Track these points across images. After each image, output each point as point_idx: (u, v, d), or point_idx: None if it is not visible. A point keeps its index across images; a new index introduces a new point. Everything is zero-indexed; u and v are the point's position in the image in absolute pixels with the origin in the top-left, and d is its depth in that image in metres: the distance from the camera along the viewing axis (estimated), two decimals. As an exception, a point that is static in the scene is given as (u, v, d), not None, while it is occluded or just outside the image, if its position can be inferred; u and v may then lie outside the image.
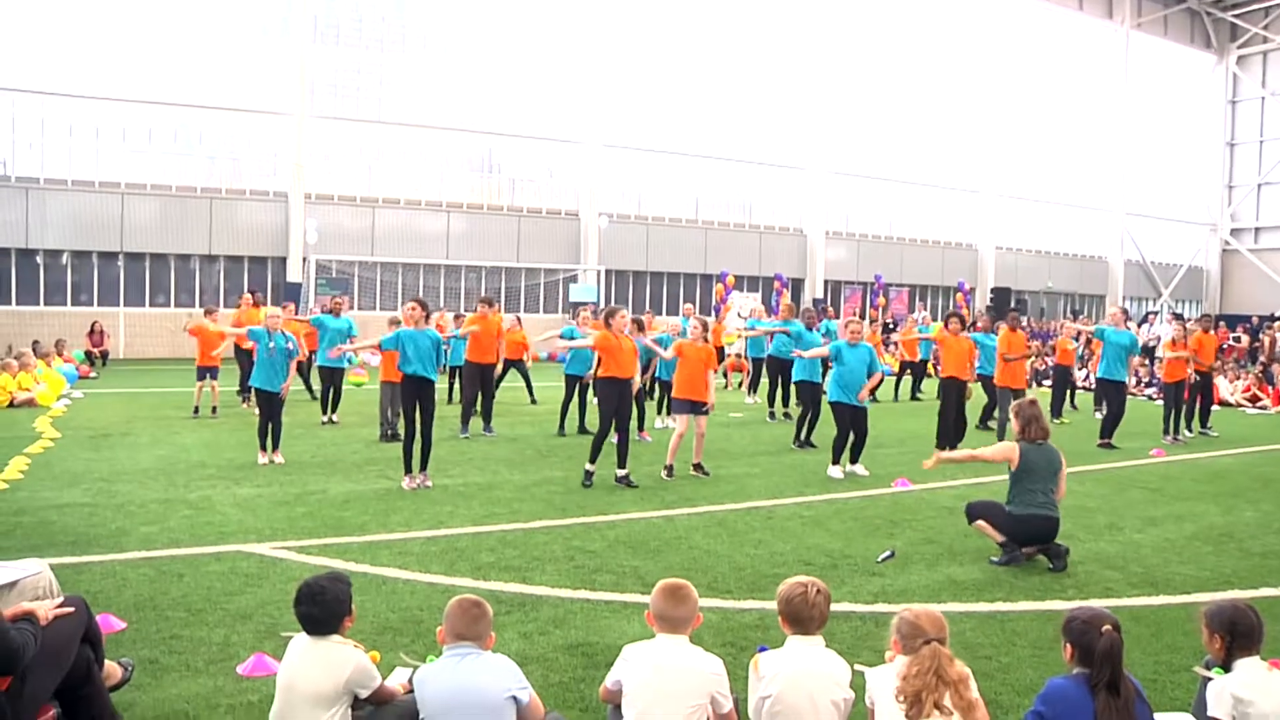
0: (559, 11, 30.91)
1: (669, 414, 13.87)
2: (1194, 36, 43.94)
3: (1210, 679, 4.06)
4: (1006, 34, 38.42)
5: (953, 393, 13.39)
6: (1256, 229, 43.98)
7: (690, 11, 32.83)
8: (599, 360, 10.77)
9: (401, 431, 10.99)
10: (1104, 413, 15.17)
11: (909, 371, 21.73)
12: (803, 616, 3.95)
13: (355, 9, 28.97)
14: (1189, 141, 44.21)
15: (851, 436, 11.52)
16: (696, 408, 11.10)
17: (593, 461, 10.44)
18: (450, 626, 3.93)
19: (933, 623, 3.71)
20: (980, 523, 7.76)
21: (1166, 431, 15.63)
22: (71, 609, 4.16)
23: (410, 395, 10.24)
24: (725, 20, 33.42)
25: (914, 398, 21.05)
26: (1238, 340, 25.14)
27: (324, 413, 14.95)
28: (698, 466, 11.18)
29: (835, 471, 11.36)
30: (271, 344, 11.54)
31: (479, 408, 14.14)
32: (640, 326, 11.70)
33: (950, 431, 13.27)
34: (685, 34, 32.79)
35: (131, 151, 26.46)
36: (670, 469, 10.97)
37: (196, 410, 15.24)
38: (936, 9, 37.29)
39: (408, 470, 10.14)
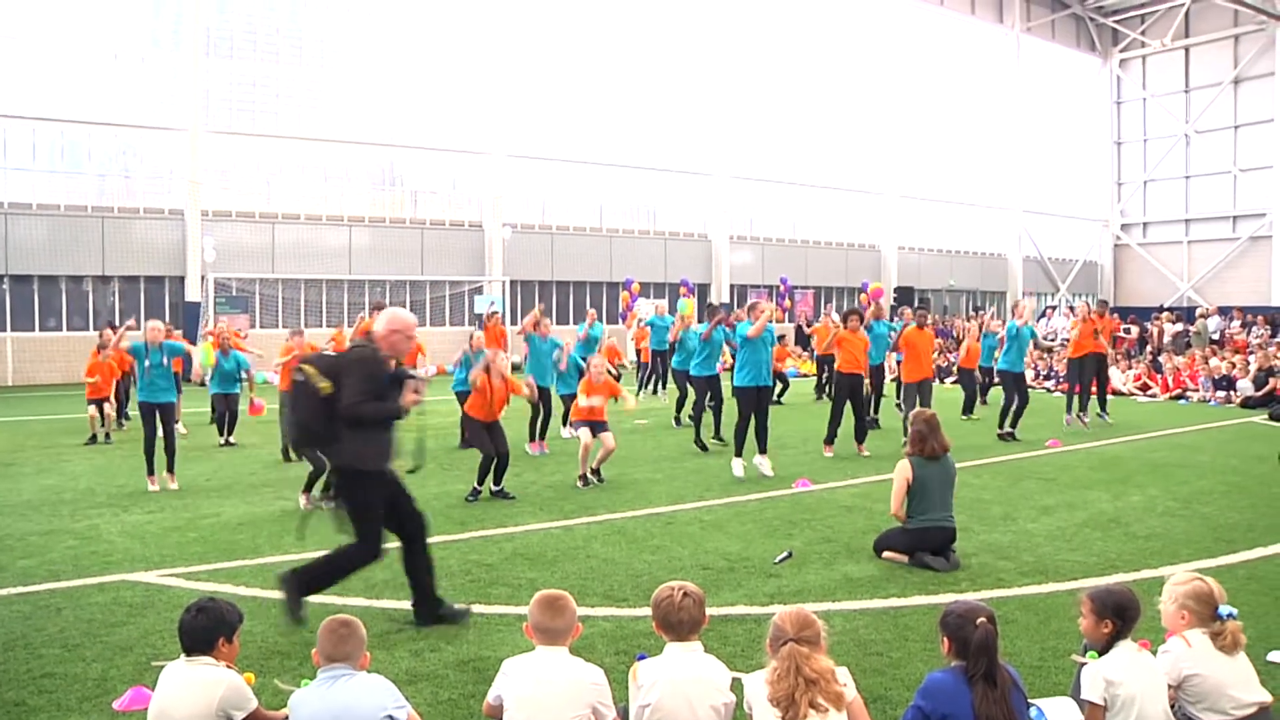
0: (459, 23, 30.63)
1: (572, 426, 13.79)
2: (1080, 40, 45.32)
3: (1085, 664, 4.14)
4: (903, 38, 39.23)
5: (845, 389, 13.56)
6: (1145, 224, 45.48)
7: (592, 21, 32.82)
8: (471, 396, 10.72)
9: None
10: (1016, 404, 15.36)
11: (824, 369, 21.63)
12: (672, 621, 3.95)
13: (249, 21, 28.25)
14: (1080, 141, 45.57)
15: (754, 421, 11.53)
16: (596, 427, 11.15)
17: (480, 482, 10.34)
18: (322, 648, 3.86)
19: (794, 622, 3.71)
20: (887, 554, 7.73)
21: (1069, 410, 16.08)
22: None
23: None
24: (627, 28, 33.49)
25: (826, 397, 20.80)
26: (1128, 331, 25.95)
27: (220, 434, 14.59)
28: (594, 471, 11.16)
29: (738, 467, 11.40)
30: (148, 360, 11.10)
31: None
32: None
33: (837, 426, 13.39)
34: (587, 43, 32.75)
35: (14, 170, 25.46)
36: (584, 478, 10.99)
37: (94, 438, 14.71)
38: (835, 14, 37.88)
39: (307, 489, 9.93)
